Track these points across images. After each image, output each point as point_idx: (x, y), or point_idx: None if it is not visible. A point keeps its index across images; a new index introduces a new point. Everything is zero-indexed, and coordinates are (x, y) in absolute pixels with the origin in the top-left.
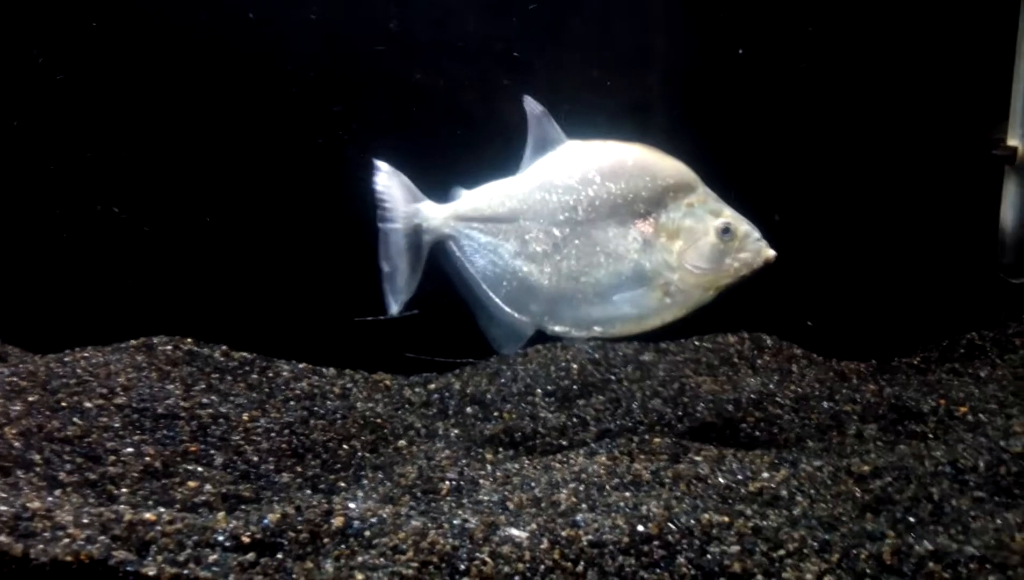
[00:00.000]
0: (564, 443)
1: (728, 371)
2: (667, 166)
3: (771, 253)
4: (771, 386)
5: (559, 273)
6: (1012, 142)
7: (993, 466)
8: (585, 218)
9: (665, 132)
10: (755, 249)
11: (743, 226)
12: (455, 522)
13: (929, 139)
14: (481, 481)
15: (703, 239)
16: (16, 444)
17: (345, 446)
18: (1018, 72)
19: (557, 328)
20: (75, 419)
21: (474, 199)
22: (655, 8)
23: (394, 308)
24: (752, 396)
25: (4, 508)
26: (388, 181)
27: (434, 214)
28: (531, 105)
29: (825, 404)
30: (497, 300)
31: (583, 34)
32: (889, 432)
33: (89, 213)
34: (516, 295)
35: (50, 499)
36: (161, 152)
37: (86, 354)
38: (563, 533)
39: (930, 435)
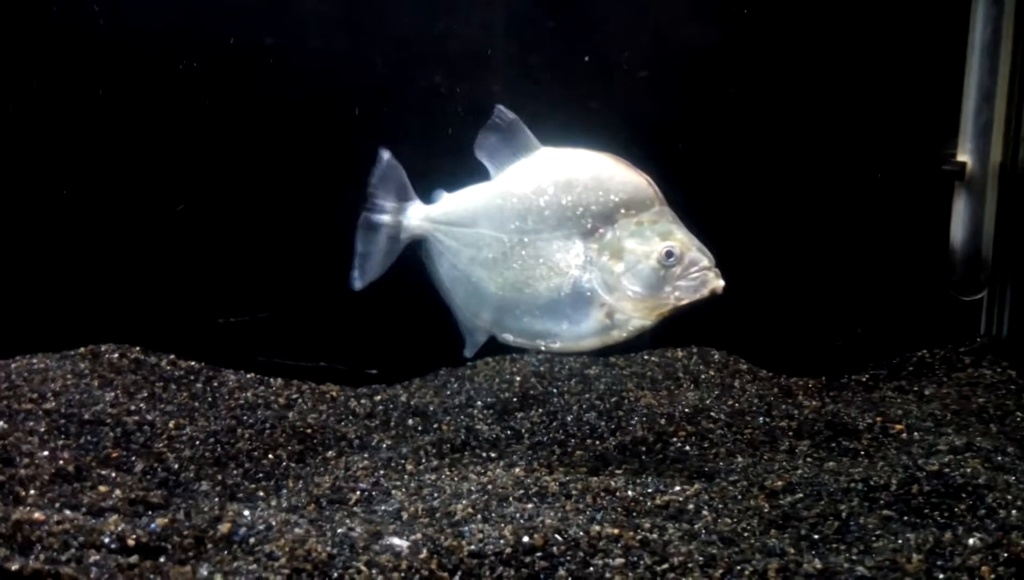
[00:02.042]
0: (493, 455)
1: (670, 385)
2: (625, 181)
3: (719, 284)
4: (708, 401)
5: (505, 282)
6: (961, 157)
7: (906, 484)
8: (533, 228)
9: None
10: (700, 278)
11: (691, 253)
12: (339, 530)
13: (879, 154)
14: (394, 492)
15: (643, 262)
16: None
17: (271, 455)
18: (967, 87)
19: (507, 337)
20: None
21: (446, 203)
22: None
23: (358, 284)
24: (687, 410)
25: None
26: (386, 172)
27: (413, 214)
28: (503, 114)
29: (761, 419)
30: (455, 304)
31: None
32: (822, 449)
33: (54, 220)
34: (469, 301)
35: None
36: (117, 162)
37: (33, 360)
38: (446, 543)
39: (862, 452)
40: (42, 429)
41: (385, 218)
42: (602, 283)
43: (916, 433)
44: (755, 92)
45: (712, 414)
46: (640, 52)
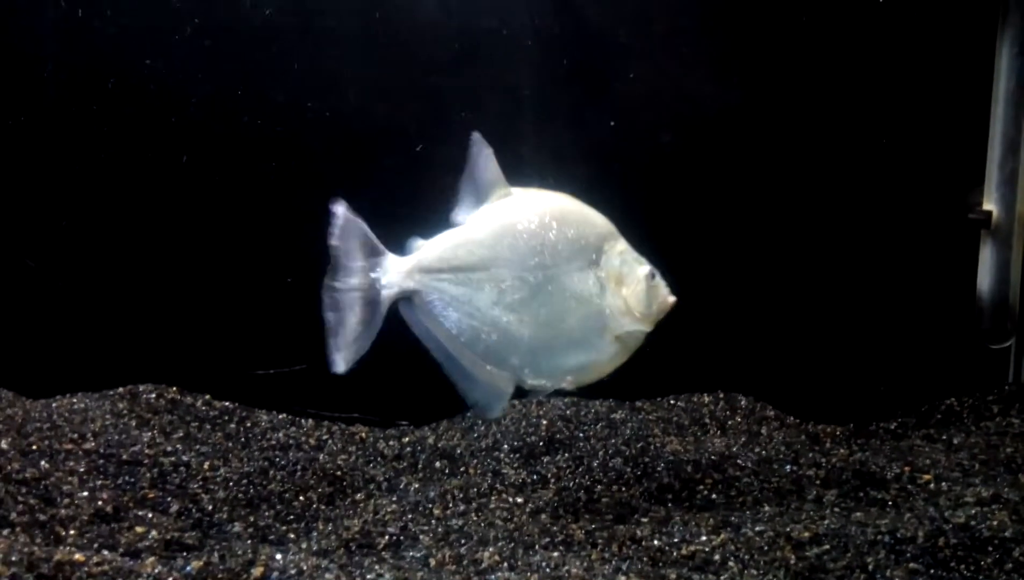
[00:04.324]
0: (520, 500)
1: (697, 431)
2: (597, 216)
3: (672, 298)
4: (735, 448)
5: (537, 321)
6: (987, 206)
7: (933, 536)
8: (552, 263)
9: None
10: (665, 293)
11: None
12: (368, 577)
13: (906, 203)
14: (421, 537)
15: (638, 285)
16: None
17: (302, 497)
18: (993, 136)
19: (536, 381)
20: (40, 462)
21: (437, 249)
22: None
23: (341, 366)
24: (713, 458)
25: None
26: (346, 228)
27: (396, 268)
28: (480, 145)
29: (788, 468)
30: (474, 357)
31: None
32: (849, 499)
33: (94, 261)
34: (496, 348)
35: None
36: (153, 206)
37: (73, 400)
38: None
39: (889, 502)
40: (82, 469)
41: (355, 281)
42: (617, 308)
43: (944, 483)
44: (789, 145)
45: (739, 461)
46: (663, 116)
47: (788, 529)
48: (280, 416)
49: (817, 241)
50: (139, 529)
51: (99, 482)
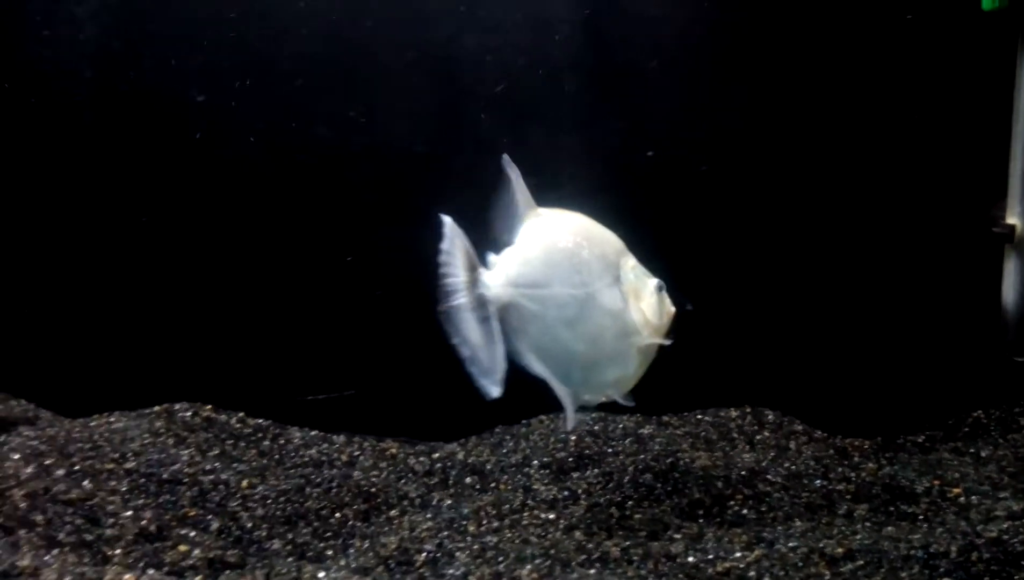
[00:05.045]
0: (552, 516)
1: (725, 446)
2: (611, 233)
3: (674, 309)
4: (765, 463)
5: (586, 337)
6: (1011, 220)
7: (965, 551)
8: (590, 280)
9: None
10: (669, 304)
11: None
12: None
13: (930, 217)
14: (457, 554)
15: (652, 297)
16: (22, 505)
17: (338, 514)
18: (1015, 149)
19: (590, 395)
20: (83, 483)
21: (513, 265)
22: None
23: (494, 390)
24: (743, 473)
25: None
26: (453, 242)
27: (492, 282)
28: (510, 167)
29: (818, 482)
30: (547, 372)
31: None
32: (880, 513)
33: (131, 280)
34: (560, 365)
35: (44, 558)
36: (187, 222)
37: (111, 419)
38: None
39: (920, 517)
40: (124, 488)
41: (464, 299)
42: (641, 321)
43: (974, 497)
44: (815, 160)
45: (769, 476)
46: (695, 137)
47: (821, 545)
48: (312, 432)
49: (842, 256)
50: (182, 548)
51: (141, 501)
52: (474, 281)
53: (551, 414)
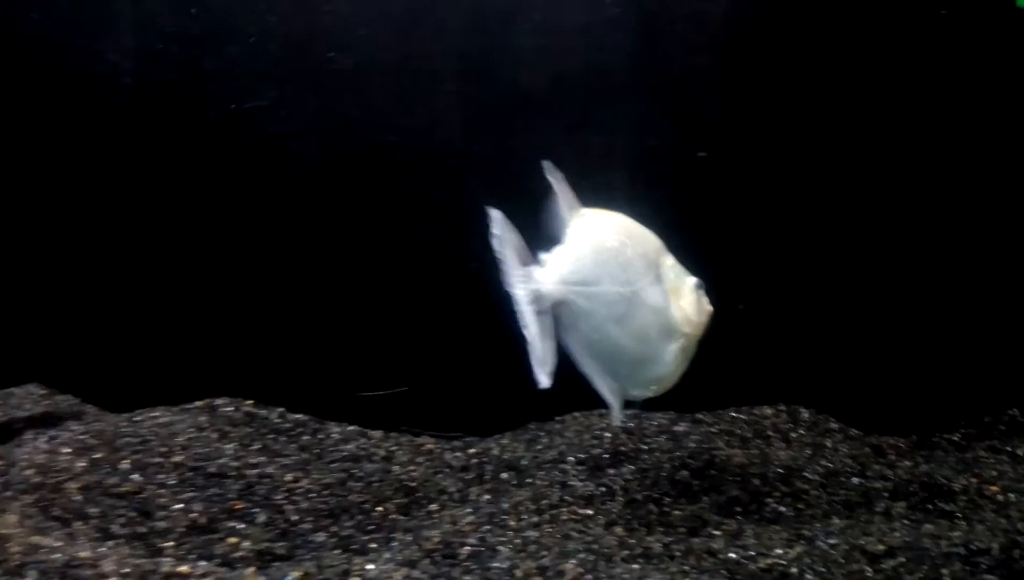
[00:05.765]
0: (590, 512)
1: (761, 444)
2: (648, 231)
3: (711, 307)
4: (801, 460)
5: (633, 334)
6: None
7: (1007, 549)
8: (635, 278)
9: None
10: (706, 302)
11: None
12: None
13: (966, 214)
14: (500, 548)
15: (691, 295)
16: (76, 497)
17: (379, 508)
18: None
19: (637, 391)
20: (133, 476)
21: (565, 263)
22: None
23: (545, 380)
24: (780, 470)
25: (57, 556)
26: (505, 235)
27: (544, 278)
28: (553, 170)
29: (855, 480)
30: (595, 367)
31: None
32: (918, 510)
33: (175, 280)
34: (608, 363)
35: (100, 550)
36: (231, 221)
37: (155, 414)
38: None
39: (958, 515)
40: (173, 482)
41: (521, 291)
42: (682, 319)
43: (1012, 495)
44: (856, 160)
45: (806, 474)
46: (740, 137)
47: (861, 542)
48: (349, 428)
49: (878, 255)
50: (232, 540)
51: (190, 494)
52: (528, 276)
53: (584, 411)
